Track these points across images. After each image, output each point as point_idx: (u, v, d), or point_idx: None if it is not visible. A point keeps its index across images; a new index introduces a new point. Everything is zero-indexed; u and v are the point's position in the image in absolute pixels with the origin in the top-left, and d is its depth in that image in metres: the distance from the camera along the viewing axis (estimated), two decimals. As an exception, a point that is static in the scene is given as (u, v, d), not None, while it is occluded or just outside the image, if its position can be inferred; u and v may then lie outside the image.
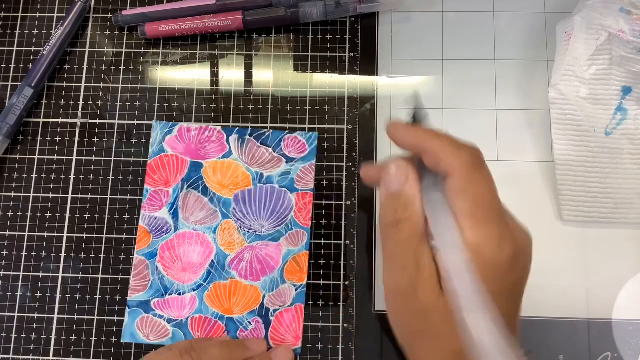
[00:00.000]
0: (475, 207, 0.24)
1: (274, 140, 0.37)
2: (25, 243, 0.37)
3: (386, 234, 0.26)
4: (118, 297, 0.36)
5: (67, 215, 0.38)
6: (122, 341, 0.35)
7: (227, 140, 0.37)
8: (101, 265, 0.37)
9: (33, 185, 0.38)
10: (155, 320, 0.35)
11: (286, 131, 0.37)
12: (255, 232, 0.36)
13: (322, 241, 0.36)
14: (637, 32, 0.33)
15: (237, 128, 0.37)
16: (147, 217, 0.36)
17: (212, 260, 0.35)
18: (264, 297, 0.35)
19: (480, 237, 0.24)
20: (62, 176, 0.38)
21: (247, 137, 0.37)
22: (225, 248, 0.36)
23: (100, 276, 0.37)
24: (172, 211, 0.36)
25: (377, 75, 0.39)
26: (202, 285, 0.35)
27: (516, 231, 0.26)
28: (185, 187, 0.36)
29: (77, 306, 0.36)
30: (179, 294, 0.35)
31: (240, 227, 0.36)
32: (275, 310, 0.35)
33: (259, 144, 0.37)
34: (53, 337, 0.36)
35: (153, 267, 0.36)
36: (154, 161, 0.37)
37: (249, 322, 0.35)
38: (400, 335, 0.27)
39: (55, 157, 0.38)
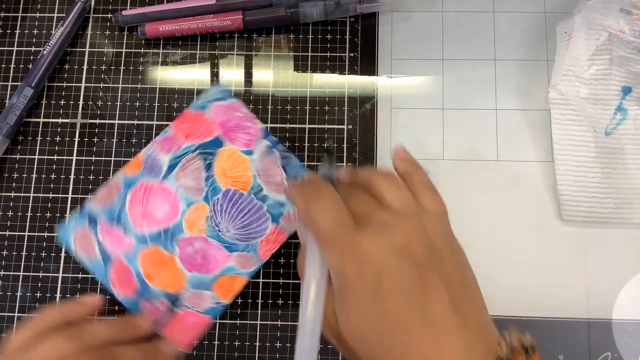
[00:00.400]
0: (318, 237, 0.25)
1: (293, 169, 0.36)
2: (25, 243, 0.37)
3: None
4: (118, 297, 0.36)
5: (67, 215, 0.38)
6: (56, 233, 0.36)
7: (257, 141, 0.37)
8: (101, 265, 0.37)
9: (33, 185, 0.38)
10: (91, 240, 0.35)
11: (306, 170, 0.37)
12: (220, 231, 0.36)
13: (322, 241, 0.36)
14: (637, 32, 0.33)
15: (274, 138, 0.37)
16: (151, 151, 0.36)
17: (169, 227, 0.35)
18: (185, 289, 0.35)
19: (332, 263, 0.24)
20: (62, 176, 0.38)
21: (275, 150, 0.37)
22: (187, 226, 0.36)
23: (100, 276, 0.37)
24: (171, 162, 0.36)
25: (377, 75, 0.39)
26: (146, 240, 0.35)
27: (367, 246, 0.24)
28: (198, 152, 0.36)
29: (77, 306, 0.36)
30: (124, 232, 0.35)
31: (211, 218, 0.36)
32: (185, 307, 0.35)
33: (278, 164, 0.37)
34: (53, 337, 0.36)
35: (123, 195, 0.36)
36: (193, 112, 0.37)
37: (158, 300, 0.34)
38: None
39: (55, 157, 0.38)
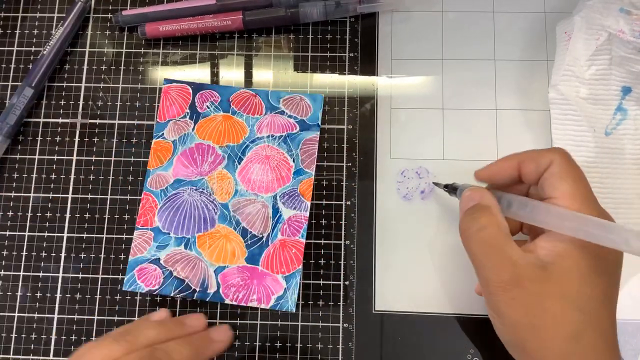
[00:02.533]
0: (575, 188, 0.27)
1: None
2: (25, 243, 0.37)
3: (471, 241, 0.28)
4: (118, 297, 0.36)
5: (67, 215, 0.38)
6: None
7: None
8: (101, 265, 0.37)
9: (33, 185, 0.38)
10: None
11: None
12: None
13: (322, 241, 0.36)
14: (636, 32, 0.33)
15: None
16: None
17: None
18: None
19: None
20: (62, 176, 0.38)
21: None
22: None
23: (100, 276, 0.37)
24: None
25: (377, 75, 0.39)
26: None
27: None
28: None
29: (77, 306, 0.36)
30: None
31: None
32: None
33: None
34: (53, 337, 0.36)
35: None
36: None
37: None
38: (511, 335, 0.28)
39: (55, 157, 0.38)
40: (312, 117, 0.38)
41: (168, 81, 0.39)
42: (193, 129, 0.37)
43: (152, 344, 0.30)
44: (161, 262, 0.36)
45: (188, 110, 0.38)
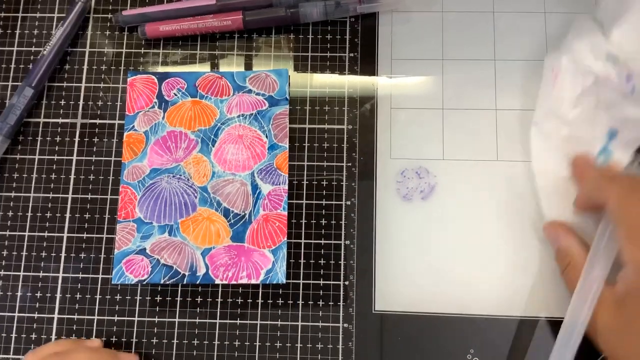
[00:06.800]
0: (630, 229, 0.27)
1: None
2: (25, 243, 0.37)
3: (564, 279, 0.32)
4: (118, 297, 0.36)
5: (67, 215, 0.38)
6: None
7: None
8: (101, 265, 0.37)
9: (33, 185, 0.38)
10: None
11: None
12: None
13: (322, 241, 0.36)
14: (623, 77, 0.33)
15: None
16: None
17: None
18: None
19: (635, 258, 0.27)
20: (62, 176, 0.38)
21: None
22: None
23: (100, 276, 0.37)
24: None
25: (377, 75, 0.39)
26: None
27: None
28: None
29: (77, 306, 0.36)
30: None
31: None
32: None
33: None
34: (53, 337, 0.36)
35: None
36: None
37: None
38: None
39: (55, 157, 0.38)
40: (280, 92, 0.38)
41: (132, 73, 0.39)
42: (163, 118, 0.38)
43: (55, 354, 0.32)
44: (147, 251, 0.36)
45: (156, 100, 0.38)
